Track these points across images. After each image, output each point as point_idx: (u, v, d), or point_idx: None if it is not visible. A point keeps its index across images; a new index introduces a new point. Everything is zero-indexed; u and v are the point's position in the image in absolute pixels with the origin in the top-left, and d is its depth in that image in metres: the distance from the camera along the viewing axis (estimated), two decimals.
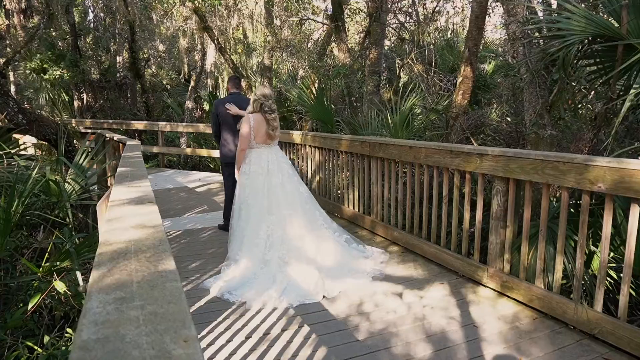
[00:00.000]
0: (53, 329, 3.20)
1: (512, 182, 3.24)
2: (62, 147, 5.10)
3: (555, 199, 3.74)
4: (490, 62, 11.32)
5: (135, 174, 2.06)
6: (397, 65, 12.46)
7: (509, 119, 5.45)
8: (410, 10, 11.22)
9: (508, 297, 3.31)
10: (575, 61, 3.32)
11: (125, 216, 1.22)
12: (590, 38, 3.20)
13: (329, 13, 11.27)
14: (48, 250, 3.33)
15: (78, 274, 2.82)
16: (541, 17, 4.18)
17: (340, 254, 4.00)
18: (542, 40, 3.78)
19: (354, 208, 5.57)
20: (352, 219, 5.57)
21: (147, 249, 0.90)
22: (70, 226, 3.75)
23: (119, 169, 2.30)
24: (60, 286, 2.79)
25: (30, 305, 2.76)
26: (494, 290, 3.43)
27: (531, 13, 4.25)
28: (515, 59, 3.99)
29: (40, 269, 2.91)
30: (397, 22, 12.52)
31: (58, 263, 2.94)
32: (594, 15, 3.18)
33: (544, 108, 3.72)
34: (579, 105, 4.40)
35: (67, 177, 4.24)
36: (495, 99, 10.13)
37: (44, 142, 6.86)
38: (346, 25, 9.62)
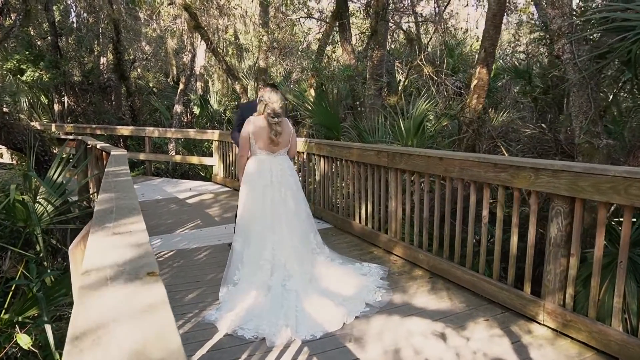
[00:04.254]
0: None
1: (579, 203, 2.72)
2: (32, 159, 4.38)
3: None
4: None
5: (123, 207, 1.44)
6: (395, 68, 11.98)
7: (543, 125, 4.98)
8: (411, 11, 10.76)
9: (572, 338, 2.78)
10: None
11: (108, 323, 0.63)
12: None
13: (327, 14, 10.75)
14: (12, 289, 2.69)
15: (47, 328, 2.14)
16: (599, 6, 3.68)
17: (338, 277, 3.70)
18: (596, 36, 3.30)
19: (366, 224, 5.01)
20: (364, 236, 5.00)
21: None
22: (42, 254, 3.11)
23: (100, 197, 1.69)
24: (24, 341, 2.17)
25: None
26: (553, 329, 2.90)
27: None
28: (561, 58, 3.48)
29: None
30: (396, 23, 12.06)
31: (20, 318, 2.29)
32: None
33: (597, 114, 3.24)
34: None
35: (39, 197, 3.56)
36: (500, 104, 9.71)
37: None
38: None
